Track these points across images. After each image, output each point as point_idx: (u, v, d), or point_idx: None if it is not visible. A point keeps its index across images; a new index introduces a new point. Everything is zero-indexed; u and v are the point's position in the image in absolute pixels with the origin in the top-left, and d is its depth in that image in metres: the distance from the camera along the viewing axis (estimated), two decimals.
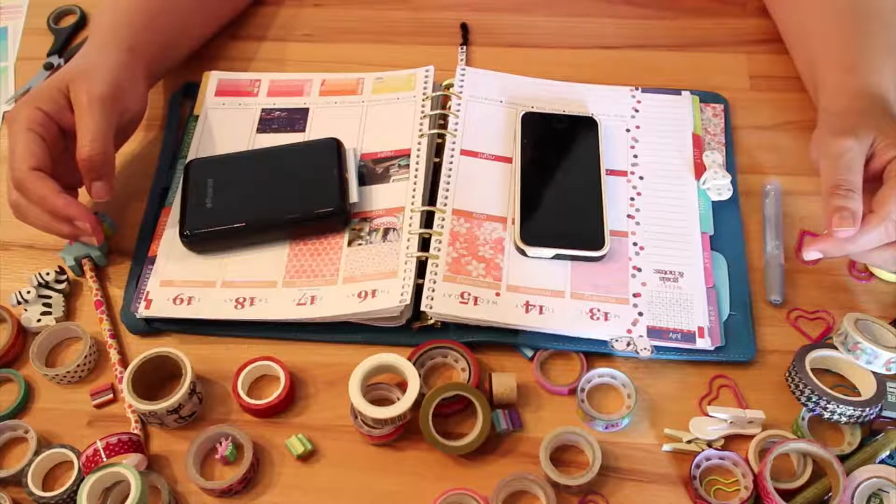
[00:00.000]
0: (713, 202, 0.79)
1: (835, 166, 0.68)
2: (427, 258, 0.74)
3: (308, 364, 0.73)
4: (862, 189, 0.67)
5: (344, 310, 0.72)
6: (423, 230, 0.76)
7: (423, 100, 0.84)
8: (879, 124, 0.70)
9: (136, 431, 0.70)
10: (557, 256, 0.74)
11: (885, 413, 0.67)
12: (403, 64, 0.88)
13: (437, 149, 0.82)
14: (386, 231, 0.76)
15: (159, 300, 0.74)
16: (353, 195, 0.77)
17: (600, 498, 0.66)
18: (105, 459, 0.66)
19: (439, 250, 0.74)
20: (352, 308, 0.72)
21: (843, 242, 0.67)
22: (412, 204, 0.77)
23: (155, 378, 0.71)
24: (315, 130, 0.84)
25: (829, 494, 0.64)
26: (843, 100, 0.74)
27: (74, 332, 0.75)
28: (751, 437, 0.68)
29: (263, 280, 0.75)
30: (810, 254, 0.69)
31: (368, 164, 0.81)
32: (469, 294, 0.72)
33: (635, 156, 0.81)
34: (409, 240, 0.75)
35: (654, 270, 0.74)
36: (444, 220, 0.76)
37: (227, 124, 0.85)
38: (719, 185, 0.78)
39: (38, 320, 0.75)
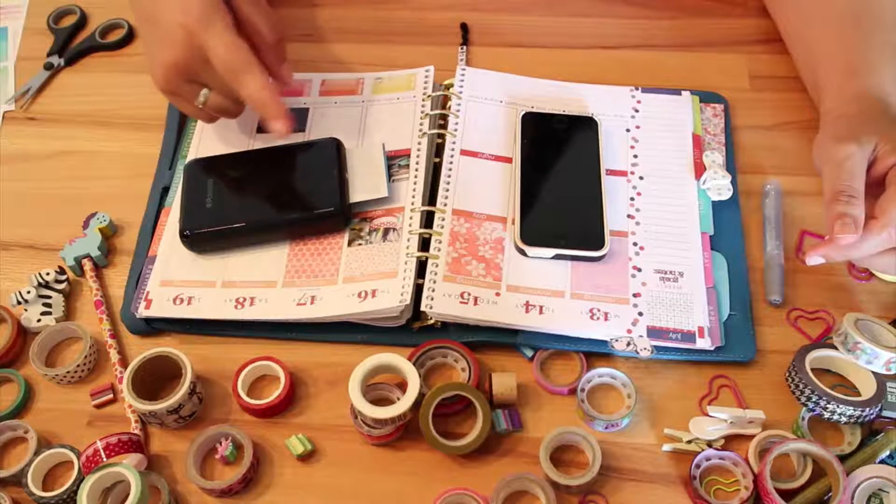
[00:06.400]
0: (713, 202, 0.79)
1: (837, 172, 0.68)
2: (427, 258, 0.74)
3: (308, 364, 0.73)
4: (864, 194, 0.67)
5: (344, 310, 0.72)
6: (423, 230, 0.76)
7: (423, 100, 0.84)
8: (881, 129, 0.70)
9: (136, 431, 0.70)
10: (557, 256, 0.74)
11: (885, 413, 0.67)
12: (403, 64, 0.88)
13: (437, 149, 0.82)
14: (386, 231, 0.76)
15: (159, 300, 0.74)
16: (384, 190, 0.77)
17: (600, 498, 0.67)
18: (105, 459, 0.66)
19: (439, 250, 0.74)
20: (352, 308, 0.72)
21: (846, 248, 0.67)
22: (412, 204, 0.77)
23: (155, 378, 0.71)
24: (315, 130, 0.84)
25: (829, 494, 0.64)
26: (844, 103, 0.74)
27: (74, 332, 0.75)
28: (751, 437, 0.68)
29: (263, 280, 0.75)
30: (813, 259, 0.69)
31: None
32: (469, 294, 0.72)
33: (635, 156, 0.81)
34: (409, 240, 0.75)
35: (654, 270, 0.74)
36: (444, 220, 0.76)
37: (227, 124, 0.84)
38: (719, 185, 0.78)
39: (38, 320, 0.75)
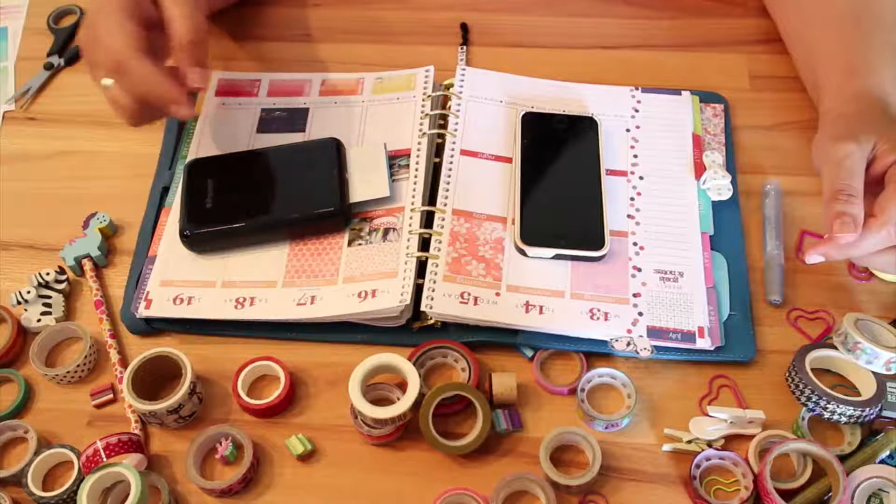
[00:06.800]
0: (713, 202, 0.79)
1: (836, 171, 0.68)
2: (427, 258, 0.74)
3: (308, 364, 0.73)
4: (863, 193, 0.67)
5: (344, 310, 0.72)
6: (423, 230, 0.76)
7: (423, 100, 0.84)
8: (880, 128, 0.70)
9: (136, 431, 0.70)
10: (557, 256, 0.74)
11: (885, 413, 0.67)
12: (403, 64, 0.88)
13: (437, 149, 0.82)
14: (386, 231, 0.76)
15: (159, 300, 0.74)
16: (386, 189, 0.77)
17: (600, 498, 0.67)
18: (105, 459, 0.66)
19: (439, 250, 0.74)
20: (352, 308, 0.72)
21: (845, 247, 0.67)
22: (412, 204, 0.77)
23: (155, 378, 0.71)
24: (315, 130, 0.84)
25: (829, 494, 0.64)
26: (843, 102, 0.74)
27: (74, 332, 0.75)
28: (751, 437, 0.68)
29: (263, 280, 0.75)
30: (812, 258, 0.69)
31: None
32: (469, 294, 0.72)
33: (635, 156, 0.81)
34: (409, 240, 0.75)
35: (654, 270, 0.74)
36: (444, 220, 0.76)
37: (227, 124, 0.85)
38: (719, 185, 0.78)
39: (38, 320, 0.75)
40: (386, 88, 0.86)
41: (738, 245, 0.77)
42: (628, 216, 0.78)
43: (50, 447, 0.68)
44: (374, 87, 0.87)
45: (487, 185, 0.79)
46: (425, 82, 0.85)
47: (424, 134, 0.81)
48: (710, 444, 0.67)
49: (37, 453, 0.68)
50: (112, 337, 0.75)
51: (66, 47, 0.94)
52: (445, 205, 0.77)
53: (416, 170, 0.79)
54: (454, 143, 0.81)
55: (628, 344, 0.71)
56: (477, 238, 0.75)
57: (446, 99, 0.84)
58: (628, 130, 0.83)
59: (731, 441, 0.68)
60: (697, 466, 0.67)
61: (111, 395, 0.72)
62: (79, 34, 0.72)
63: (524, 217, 0.75)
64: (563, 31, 0.92)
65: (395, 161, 0.80)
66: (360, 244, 0.76)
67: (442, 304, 0.71)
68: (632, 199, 0.79)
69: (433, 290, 0.72)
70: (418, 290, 0.72)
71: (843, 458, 0.65)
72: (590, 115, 0.82)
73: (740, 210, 0.79)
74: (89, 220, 0.80)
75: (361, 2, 0.95)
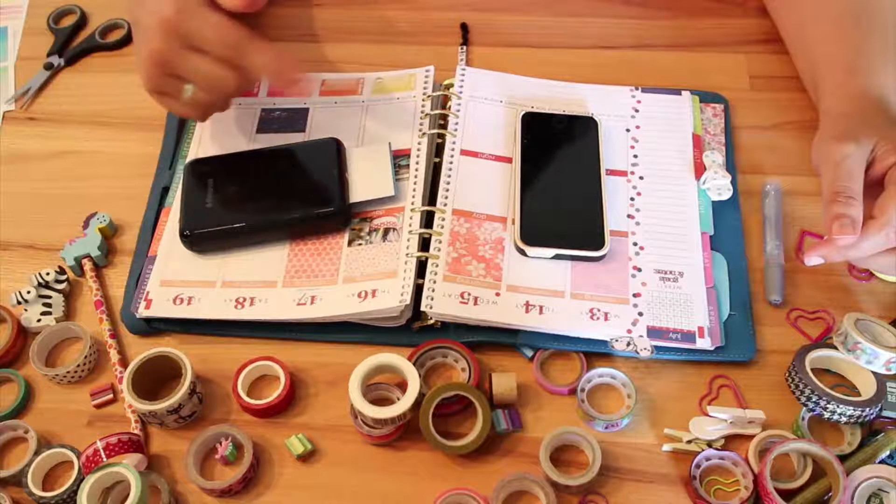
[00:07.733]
0: (713, 202, 0.79)
1: (835, 173, 0.68)
2: (427, 258, 0.74)
3: (308, 364, 0.73)
4: (863, 194, 0.67)
5: (344, 310, 0.72)
6: (423, 230, 0.76)
7: (423, 100, 0.84)
8: (880, 129, 0.70)
9: (136, 431, 0.70)
10: (557, 256, 0.74)
11: (885, 413, 0.67)
12: (403, 64, 0.88)
13: (437, 149, 0.82)
14: (386, 231, 0.76)
15: (159, 300, 0.74)
16: (390, 189, 0.77)
17: (600, 498, 0.67)
18: (105, 459, 0.66)
19: (439, 250, 0.74)
20: (352, 308, 0.72)
21: (844, 248, 0.67)
22: (412, 204, 0.77)
23: (155, 378, 0.71)
24: (315, 130, 0.84)
25: (829, 494, 0.64)
26: (843, 102, 0.74)
27: (74, 332, 0.75)
28: (751, 437, 0.68)
29: (263, 280, 0.75)
30: (812, 259, 0.69)
31: None
32: (469, 294, 0.72)
33: (635, 156, 0.81)
34: (409, 240, 0.75)
35: (654, 270, 0.74)
36: (444, 219, 0.76)
37: (227, 124, 0.85)
38: (719, 185, 0.78)
39: (38, 320, 0.75)
40: (386, 88, 0.86)
41: (738, 245, 0.77)
42: (628, 216, 0.78)
43: (50, 447, 0.68)
44: (374, 87, 0.87)
45: (487, 185, 0.79)
46: (425, 82, 0.85)
47: (424, 134, 0.81)
48: (710, 444, 0.67)
49: (37, 453, 0.68)
50: (112, 337, 0.75)
51: (66, 47, 0.94)
52: (445, 205, 0.77)
53: (416, 170, 0.79)
54: (454, 142, 0.81)
55: (628, 344, 0.71)
56: (477, 238, 0.75)
57: (446, 99, 0.84)
58: (628, 130, 0.83)
59: (731, 441, 0.68)
60: (697, 466, 0.67)
61: (111, 395, 0.72)
62: (149, 46, 0.71)
63: (524, 217, 0.75)
64: (563, 31, 0.92)
65: (396, 161, 0.80)
66: (360, 244, 0.76)
67: (442, 304, 0.71)
68: (632, 199, 0.79)
69: (433, 290, 0.72)
70: (418, 290, 0.72)
71: (843, 458, 0.65)
72: (590, 115, 0.82)
73: (740, 210, 0.79)
74: (89, 220, 0.80)
75: (362, 2, 0.95)
